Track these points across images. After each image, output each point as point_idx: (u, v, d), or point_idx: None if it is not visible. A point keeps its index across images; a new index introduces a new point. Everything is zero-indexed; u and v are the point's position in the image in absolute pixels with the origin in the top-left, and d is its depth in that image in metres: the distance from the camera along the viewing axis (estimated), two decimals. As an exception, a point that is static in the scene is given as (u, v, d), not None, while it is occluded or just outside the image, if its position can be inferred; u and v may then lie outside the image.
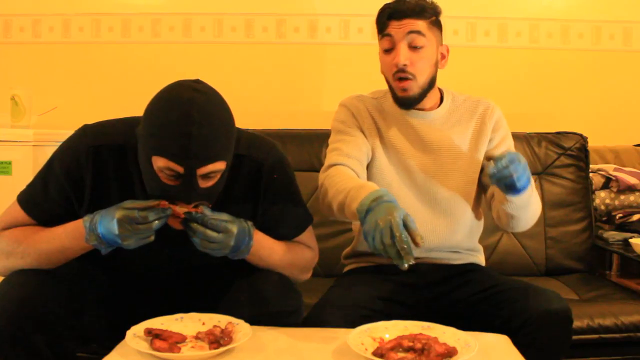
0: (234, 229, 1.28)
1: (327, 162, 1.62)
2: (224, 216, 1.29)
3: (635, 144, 2.70)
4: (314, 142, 2.39)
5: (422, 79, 1.59)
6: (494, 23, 2.75)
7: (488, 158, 1.47)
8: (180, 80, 1.28)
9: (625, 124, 2.78)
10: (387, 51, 1.60)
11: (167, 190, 1.25)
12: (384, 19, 1.59)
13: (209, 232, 1.26)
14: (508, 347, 1.29)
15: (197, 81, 1.28)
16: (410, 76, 1.58)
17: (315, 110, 2.77)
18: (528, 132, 2.47)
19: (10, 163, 2.25)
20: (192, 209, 1.26)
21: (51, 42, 2.80)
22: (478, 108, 1.70)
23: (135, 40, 2.78)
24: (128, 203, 1.25)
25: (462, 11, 2.74)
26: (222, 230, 1.27)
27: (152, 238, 1.25)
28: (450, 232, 1.65)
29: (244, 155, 1.42)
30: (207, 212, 1.27)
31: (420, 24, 1.57)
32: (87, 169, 1.34)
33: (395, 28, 1.57)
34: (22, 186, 1.41)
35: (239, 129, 1.42)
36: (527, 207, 1.54)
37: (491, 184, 1.55)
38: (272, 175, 1.44)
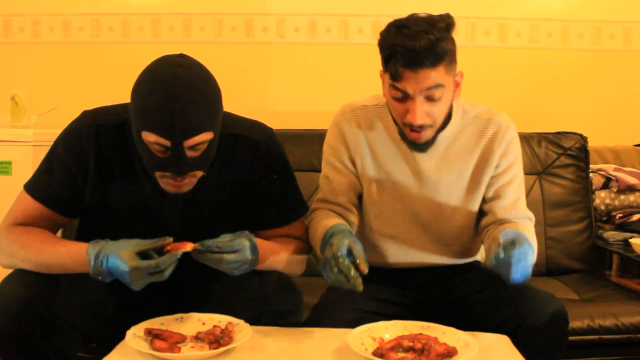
0: (246, 242, 1.29)
1: (312, 206, 1.60)
2: (226, 237, 1.29)
3: (635, 144, 2.70)
4: (314, 142, 2.38)
5: (438, 122, 1.45)
6: (494, 23, 2.75)
7: (497, 242, 1.29)
8: (165, 56, 1.30)
9: (625, 124, 2.77)
10: (398, 100, 1.41)
11: (159, 161, 1.28)
12: (396, 66, 1.35)
13: (226, 256, 1.27)
14: (508, 347, 1.29)
15: (182, 55, 1.31)
16: (425, 127, 1.43)
17: (315, 110, 2.77)
18: (528, 132, 2.47)
19: (10, 163, 2.25)
20: (198, 246, 1.26)
21: (51, 42, 2.80)
22: (488, 129, 1.54)
23: (135, 40, 2.78)
24: (135, 244, 1.23)
25: (462, 11, 2.73)
26: (237, 248, 1.27)
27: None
28: (448, 254, 1.63)
29: (240, 135, 1.45)
30: (214, 240, 1.27)
31: (439, 73, 1.36)
32: (90, 147, 1.37)
33: (412, 83, 1.36)
34: (22, 186, 1.41)
35: (234, 115, 1.46)
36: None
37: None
38: (268, 154, 1.46)
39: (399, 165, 1.55)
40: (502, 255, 1.24)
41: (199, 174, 1.34)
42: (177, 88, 1.22)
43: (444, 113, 1.45)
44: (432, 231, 1.59)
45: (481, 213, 1.58)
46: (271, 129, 1.52)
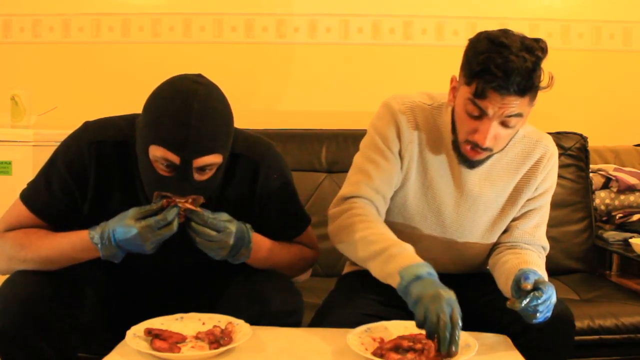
0: (233, 228, 1.29)
1: (350, 189, 1.49)
2: (224, 216, 1.29)
3: (635, 144, 2.70)
4: (314, 142, 2.38)
5: (499, 148, 1.43)
6: (494, 23, 2.70)
7: (520, 285, 1.25)
8: (183, 74, 1.29)
9: (625, 124, 2.77)
10: (472, 116, 1.36)
11: (162, 181, 1.26)
12: (484, 84, 1.31)
13: (208, 231, 1.26)
14: (508, 347, 1.29)
15: (200, 75, 1.29)
16: (488, 150, 1.40)
17: (316, 110, 2.77)
18: (528, 132, 2.47)
19: (10, 163, 2.25)
20: (192, 206, 1.26)
21: (51, 42, 2.80)
22: (535, 152, 1.53)
23: (135, 40, 2.78)
24: (135, 211, 1.24)
25: (462, 11, 2.74)
26: (221, 229, 1.27)
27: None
28: (464, 268, 1.62)
29: (240, 155, 1.42)
30: (207, 211, 1.27)
31: (523, 102, 1.33)
32: (90, 164, 1.35)
33: (494, 106, 1.31)
34: (22, 186, 1.41)
35: (236, 129, 1.41)
36: None
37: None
38: (269, 176, 1.44)
39: (444, 174, 1.51)
40: (530, 303, 1.23)
41: (199, 200, 1.29)
42: (194, 103, 1.20)
43: (509, 140, 1.42)
44: (456, 245, 1.57)
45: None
46: (272, 145, 1.49)
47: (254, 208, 1.44)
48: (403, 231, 1.56)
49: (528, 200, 1.55)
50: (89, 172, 1.35)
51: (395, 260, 1.30)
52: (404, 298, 1.26)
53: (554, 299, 1.25)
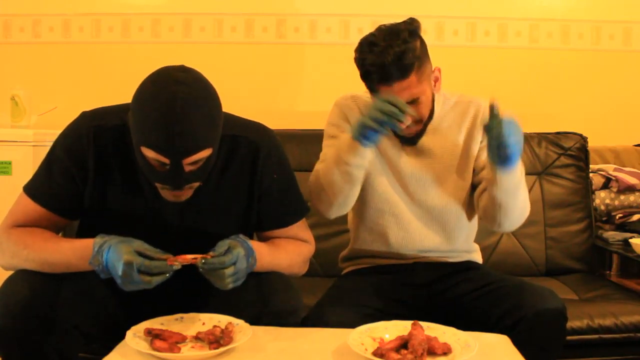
0: (241, 251, 1.28)
1: (315, 168, 1.63)
2: (225, 244, 1.28)
3: (635, 144, 2.70)
4: (314, 142, 2.36)
5: (424, 117, 1.57)
6: (494, 23, 2.75)
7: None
8: (165, 68, 1.27)
9: (625, 124, 2.78)
10: None
11: (158, 174, 1.28)
12: (373, 83, 1.49)
13: (227, 271, 1.25)
14: (508, 347, 1.29)
15: (183, 70, 1.27)
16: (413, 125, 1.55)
17: (316, 110, 2.77)
18: (528, 132, 2.46)
19: (10, 163, 2.25)
20: (195, 259, 1.24)
21: (51, 42, 2.80)
22: (470, 110, 1.67)
23: (135, 40, 2.78)
24: (139, 244, 1.24)
25: (462, 11, 2.74)
26: (235, 260, 1.26)
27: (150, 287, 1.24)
28: (445, 238, 1.67)
29: (240, 136, 1.44)
30: (211, 253, 1.26)
31: (410, 82, 1.47)
32: (89, 148, 1.36)
33: (388, 91, 1.48)
34: (22, 186, 1.41)
35: (233, 115, 1.45)
36: (515, 194, 1.51)
37: (485, 136, 1.46)
38: (269, 157, 1.46)
39: (393, 141, 1.65)
40: (500, 120, 1.35)
41: (196, 184, 1.33)
42: (177, 108, 1.20)
43: (428, 108, 1.57)
44: (427, 214, 1.65)
45: (473, 194, 1.67)
46: (271, 129, 1.51)
47: (254, 190, 1.46)
48: (382, 209, 1.65)
49: (480, 150, 1.65)
50: (88, 156, 1.36)
51: (344, 143, 1.48)
52: (363, 143, 1.46)
53: (520, 130, 1.39)
